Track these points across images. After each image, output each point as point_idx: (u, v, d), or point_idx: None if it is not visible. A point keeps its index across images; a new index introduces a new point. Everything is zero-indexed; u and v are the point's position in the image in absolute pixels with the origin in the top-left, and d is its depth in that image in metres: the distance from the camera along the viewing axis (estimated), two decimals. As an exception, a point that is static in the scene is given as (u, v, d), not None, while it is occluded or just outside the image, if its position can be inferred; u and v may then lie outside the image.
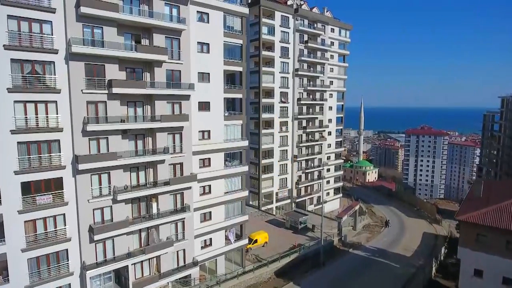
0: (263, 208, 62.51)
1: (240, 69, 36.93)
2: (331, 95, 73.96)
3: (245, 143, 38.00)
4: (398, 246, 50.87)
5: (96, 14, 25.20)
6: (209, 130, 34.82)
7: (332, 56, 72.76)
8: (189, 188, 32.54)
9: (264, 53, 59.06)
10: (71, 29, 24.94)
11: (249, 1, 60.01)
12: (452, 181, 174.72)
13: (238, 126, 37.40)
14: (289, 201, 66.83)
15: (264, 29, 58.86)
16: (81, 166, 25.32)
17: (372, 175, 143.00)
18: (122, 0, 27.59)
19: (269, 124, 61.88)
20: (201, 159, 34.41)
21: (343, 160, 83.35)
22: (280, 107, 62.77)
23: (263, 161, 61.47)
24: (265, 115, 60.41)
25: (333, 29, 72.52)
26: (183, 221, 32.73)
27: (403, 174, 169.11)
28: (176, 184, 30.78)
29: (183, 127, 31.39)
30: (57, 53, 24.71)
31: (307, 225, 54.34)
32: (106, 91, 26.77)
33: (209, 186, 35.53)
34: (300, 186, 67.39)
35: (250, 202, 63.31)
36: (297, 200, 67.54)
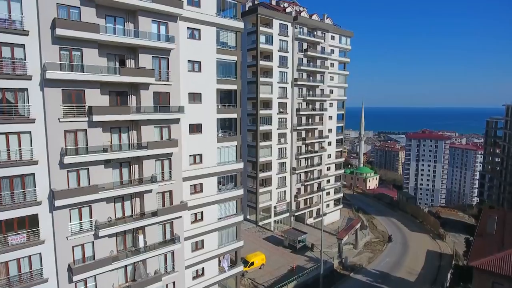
0: (260, 223, 60.31)
1: (235, 87, 34.69)
2: (331, 105, 71.65)
3: (240, 165, 35.75)
4: (401, 268, 48.66)
5: (74, 36, 22.93)
6: (201, 154, 32.64)
7: (332, 64, 70.47)
8: (179, 217, 30.34)
9: (262, 62, 56.74)
10: (46, 52, 22.65)
11: (246, 9, 57.74)
12: (454, 185, 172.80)
13: (232, 147, 35.20)
14: (287, 214, 64.56)
15: (262, 38, 56.47)
16: (58, 202, 23.13)
17: (373, 182, 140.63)
18: (105, 19, 25.39)
19: (267, 136, 59.63)
20: (192, 185, 32.25)
21: (343, 171, 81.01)
22: (279, 118, 60.54)
23: (261, 175, 59.19)
24: (262, 127, 58.12)
25: (333, 36, 70.21)
26: (173, 252, 30.55)
27: (404, 179, 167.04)
28: (164, 214, 28.53)
29: (172, 153, 29.16)
30: (30, 79, 22.43)
31: (306, 243, 52.24)
32: (86, 119, 24.51)
33: (201, 213, 33.38)
34: (299, 199, 65.14)
35: (248, 217, 61.07)
36: (296, 214, 65.34)
